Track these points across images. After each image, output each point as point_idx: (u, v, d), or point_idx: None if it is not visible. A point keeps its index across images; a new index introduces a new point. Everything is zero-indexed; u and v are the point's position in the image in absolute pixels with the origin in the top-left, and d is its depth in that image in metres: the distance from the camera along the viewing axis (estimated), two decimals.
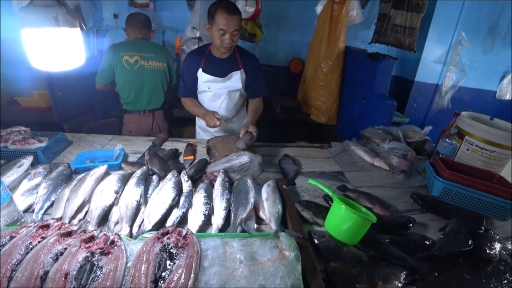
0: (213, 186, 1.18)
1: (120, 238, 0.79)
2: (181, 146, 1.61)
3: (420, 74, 3.27)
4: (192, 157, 1.48)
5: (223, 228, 0.97)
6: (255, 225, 0.99)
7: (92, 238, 0.78)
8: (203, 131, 2.04)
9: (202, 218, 0.99)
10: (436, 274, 0.93)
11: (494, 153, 1.50)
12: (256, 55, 2.36)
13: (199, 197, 1.08)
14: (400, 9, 2.46)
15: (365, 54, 2.54)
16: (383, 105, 2.28)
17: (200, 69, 1.76)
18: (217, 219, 1.00)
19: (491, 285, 0.93)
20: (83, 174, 1.16)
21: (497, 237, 1.13)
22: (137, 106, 2.19)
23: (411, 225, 1.12)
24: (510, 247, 1.11)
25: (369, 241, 1.00)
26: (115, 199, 1.04)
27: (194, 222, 0.98)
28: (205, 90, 1.82)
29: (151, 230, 0.92)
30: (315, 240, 0.96)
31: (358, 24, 2.77)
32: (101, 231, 0.82)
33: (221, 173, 1.22)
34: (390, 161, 1.61)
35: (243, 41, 2.95)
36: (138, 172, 1.18)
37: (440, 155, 1.62)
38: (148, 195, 1.10)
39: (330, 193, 1.08)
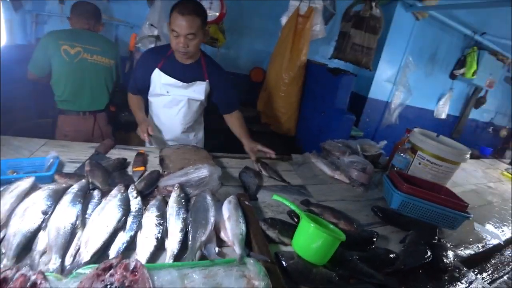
0: (166, 203, 1.03)
1: (45, 278, 0.60)
2: (129, 155, 1.41)
3: (373, 91, 3.54)
4: (142, 168, 1.30)
5: (179, 254, 0.83)
6: (217, 249, 0.87)
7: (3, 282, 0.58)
8: (154, 139, 1.82)
9: (154, 242, 0.84)
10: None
11: (442, 167, 1.61)
12: (217, 60, 2.26)
13: (150, 216, 0.93)
14: (359, 29, 2.62)
15: (327, 68, 2.63)
16: (343, 119, 2.36)
17: (157, 69, 1.58)
18: (172, 244, 0.85)
19: None
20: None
21: (449, 246, 1.25)
22: (76, 105, 1.91)
23: (375, 239, 1.12)
24: (462, 254, 1.25)
25: (337, 259, 0.95)
26: (42, 222, 0.82)
27: (145, 248, 0.82)
28: (162, 93, 1.64)
29: (89, 262, 0.74)
30: (283, 262, 0.88)
31: (319, 39, 2.86)
32: (18, 270, 0.62)
33: (176, 188, 1.07)
34: (350, 174, 1.63)
35: (204, 45, 2.83)
36: (75, 186, 0.98)
37: (396, 169, 1.70)
38: (86, 216, 0.90)
39: (297, 211, 1.01)
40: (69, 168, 1.24)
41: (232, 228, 0.94)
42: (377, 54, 3.04)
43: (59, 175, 1.10)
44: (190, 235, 0.88)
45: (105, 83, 1.98)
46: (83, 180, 1.03)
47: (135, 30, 2.69)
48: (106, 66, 1.95)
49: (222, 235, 0.96)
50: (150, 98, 1.71)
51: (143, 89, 1.66)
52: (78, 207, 0.89)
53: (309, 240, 0.93)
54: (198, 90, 1.65)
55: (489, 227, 1.61)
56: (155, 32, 2.49)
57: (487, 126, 5.98)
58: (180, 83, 1.61)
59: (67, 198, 0.91)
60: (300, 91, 2.94)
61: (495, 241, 1.46)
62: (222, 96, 1.71)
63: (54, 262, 0.73)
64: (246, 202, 1.11)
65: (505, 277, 1.25)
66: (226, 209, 1.01)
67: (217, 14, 2.48)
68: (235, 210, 1.01)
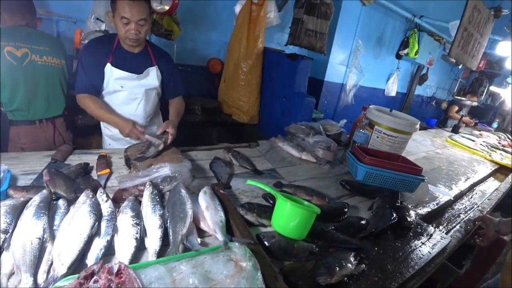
0: (140, 202, 1.00)
1: None
2: (91, 159, 1.32)
3: (329, 74, 3.70)
4: (107, 170, 1.23)
5: (162, 251, 0.82)
6: (199, 239, 0.87)
7: None
8: (115, 141, 1.73)
9: (134, 243, 0.81)
10: (376, 248, 1.06)
11: (397, 138, 1.77)
12: (174, 54, 2.19)
13: (125, 218, 0.89)
14: (312, 15, 2.70)
15: (284, 54, 2.68)
16: (304, 103, 2.44)
17: (109, 64, 1.48)
18: (153, 241, 0.84)
19: (416, 245, 1.14)
20: None
21: (410, 206, 1.41)
22: (30, 114, 1.70)
23: (346, 209, 1.21)
24: (421, 213, 1.42)
25: (315, 232, 1.02)
26: (3, 243, 0.75)
27: (124, 250, 0.79)
28: (117, 89, 1.55)
29: (66, 275, 0.69)
30: (266, 243, 0.93)
31: (273, 27, 2.90)
32: None
33: (148, 186, 1.03)
34: (316, 154, 1.71)
35: (159, 38, 2.70)
36: (36, 198, 0.89)
37: (357, 144, 1.82)
38: (54, 228, 0.84)
39: (273, 192, 1.05)
40: (24, 181, 1.13)
41: (211, 217, 0.94)
42: (329, 39, 3.18)
43: (14, 189, 0.99)
44: (170, 230, 0.87)
45: (60, 86, 1.80)
46: (44, 191, 0.94)
47: (79, 26, 2.46)
48: (58, 67, 1.77)
49: (202, 225, 0.96)
50: (104, 96, 1.60)
51: (99, 87, 1.54)
52: (44, 219, 0.82)
53: (287, 218, 0.98)
54: (152, 77, 1.61)
55: (440, 187, 1.81)
56: (102, 27, 2.30)
57: (431, 100, 6.64)
58: (135, 75, 1.54)
59: (29, 212, 0.83)
60: (260, 78, 2.96)
61: (446, 198, 1.66)
62: (169, 82, 1.68)
63: (25, 282, 0.67)
64: (221, 191, 1.12)
65: (457, 227, 1.43)
66: (203, 199, 1.01)
67: (168, 7, 2.37)
68: (212, 200, 1.01)
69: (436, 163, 2.33)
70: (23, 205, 0.88)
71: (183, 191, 1.01)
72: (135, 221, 0.88)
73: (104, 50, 1.48)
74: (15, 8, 1.65)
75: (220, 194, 1.09)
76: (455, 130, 3.80)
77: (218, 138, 3.18)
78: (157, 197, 1.00)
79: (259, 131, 3.16)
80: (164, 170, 1.06)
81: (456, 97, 5.52)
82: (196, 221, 0.96)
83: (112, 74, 1.50)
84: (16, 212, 0.85)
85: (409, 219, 1.23)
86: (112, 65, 1.49)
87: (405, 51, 4.34)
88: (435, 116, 6.05)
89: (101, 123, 1.75)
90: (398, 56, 4.48)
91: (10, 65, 1.58)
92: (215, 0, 3.07)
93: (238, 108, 3.04)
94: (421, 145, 2.78)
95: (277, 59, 2.86)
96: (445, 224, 1.47)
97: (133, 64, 1.54)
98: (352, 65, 3.80)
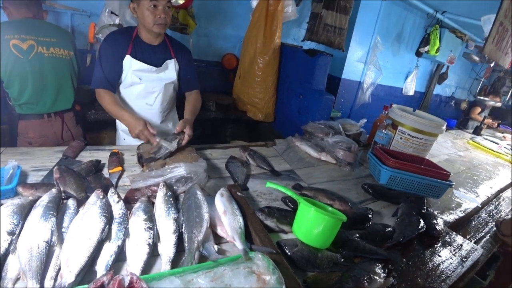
0: (153, 203, 0.94)
1: None
2: (103, 155, 1.27)
3: (346, 71, 3.58)
4: (120, 168, 1.18)
5: (176, 259, 0.76)
6: (216, 247, 0.81)
7: None
8: (130, 135, 1.69)
9: (146, 249, 0.75)
10: (404, 259, 0.97)
11: (422, 140, 1.66)
12: (190, 48, 2.13)
13: (137, 221, 0.83)
14: (331, 10, 2.59)
15: (302, 50, 2.58)
16: (322, 100, 2.34)
17: (128, 56, 1.44)
18: (167, 248, 0.77)
19: (446, 256, 1.06)
20: None
21: (436, 214, 1.32)
22: (38, 108, 1.66)
23: (371, 216, 1.13)
24: (448, 220, 1.33)
25: (339, 240, 0.94)
26: (10, 244, 0.70)
27: (136, 257, 0.73)
28: (135, 82, 1.51)
29: (74, 283, 0.64)
30: (287, 251, 0.85)
31: (290, 22, 2.80)
32: None
33: (162, 187, 0.97)
34: (336, 155, 1.63)
35: (174, 32, 2.64)
36: (45, 197, 0.85)
37: (378, 145, 1.72)
38: (63, 229, 0.79)
39: (294, 197, 0.98)
40: (34, 178, 1.09)
41: (230, 222, 0.88)
42: (348, 35, 3.05)
43: (23, 186, 0.95)
44: (186, 236, 0.81)
45: (70, 79, 1.76)
46: (53, 190, 0.90)
47: (93, 19, 2.43)
48: (67, 58, 1.72)
49: (219, 231, 0.90)
50: (121, 89, 1.56)
51: (114, 81, 1.49)
52: (52, 221, 0.77)
53: (311, 225, 0.90)
54: (171, 70, 1.58)
55: (466, 192, 1.70)
56: (117, 21, 2.26)
57: (449, 100, 6.38)
58: (154, 68, 1.51)
59: (36, 212, 0.79)
60: (276, 75, 2.87)
61: (473, 205, 1.55)
62: (185, 73, 1.64)
63: None
64: (239, 193, 1.05)
65: (487, 236, 1.33)
66: (220, 202, 0.95)
67: (181, 2, 2.31)
68: (230, 203, 0.95)
69: (459, 166, 2.20)
70: (32, 204, 0.84)
71: (199, 193, 0.95)
72: (148, 225, 0.82)
73: (123, 41, 1.45)
74: (21, 1, 1.61)
75: (237, 197, 1.02)
76: (477, 131, 3.64)
77: (232, 135, 3.12)
78: (171, 199, 0.94)
79: (274, 129, 3.08)
80: (179, 170, 1.00)
81: (478, 97, 5.28)
82: (212, 226, 0.90)
83: (132, 66, 1.46)
84: (24, 212, 0.80)
85: (437, 228, 1.15)
86: (132, 56, 1.45)
87: (426, 48, 4.16)
88: (454, 117, 5.82)
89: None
90: (418, 54, 4.30)
91: (17, 59, 1.55)
92: None
93: (253, 105, 2.95)
94: (442, 147, 2.65)
95: (294, 55, 2.76)
96: (472, 233, 1.36)
97: (152, 56, 1.51)
98: (370, 62, 3.65)
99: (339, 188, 1.37)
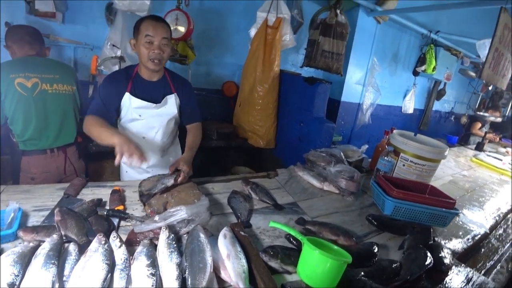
0: (155, 246, 0.93)
1: None
2: (104, 193, 1.27)
3: (345, 94, 3.64)
4: (121, 207, 1.17)
5: None
6: None
7: None
8: (132, 168, 1.70)
9: None
10: None
11: (425, 166, 1.65)
12: (189, 78, 2.17)
13: (139, 267, 0.82)
14: (328, 36, 2.67)
15: (302, 78, 2.63)
16: (323, 128, 2.36)
17: (127, 93, 1.48)
18: None
19: None
20: None
21: (443, 244, 1.29)
22: (41, 143, 1.68)
23: (376, 251, 1.10)
24: (456, 250, 1.29)
25: (345, 280, 0.91)
26: None
27: None
28: (135, 118, 1.54)
29: None
30: None
31: (288, 48, 2.88)
32: None
33: (164, 229, 0.96)
34: (338, 184, 1.61)
35: (174, 63, 2.72)
36: (46, 245, 0.84)
37: (381, 172, 1.71)
38: (64, 278, 0.77)
39: (298, 237, 0.96)
40: (35, 218, 1.08)
41: (233, 266, 0.86)
42: (345, 59, 3.14)
43: (24, 231, 0.94)
44: (189, 282, 0.79)
45: (73, 113, 1.79)
46: (55, 236, 0.89)
47: (95, 52, 2.51)
48: (69, 93, 1.76)
49: (223, 275, 0.88)
50: (122, 124, 1.58)
51: (111, 111, 1.49)
52: (53, 271, 0.76)
53: (316, 267, 0.88)
54: (170, 105, 1.59)
55: (472, 216, 1.67)
56: (118, 53, 2.34)
57: (449, 115, 6.42)
58: (153, 105, 1.53)
59: (37, 262, 0.77)
60: (276, 102, 2.91)
61: (481, 230, 1.52)
62: (186, 107, 1.66)
63: None
64: (242, 233, 1.04)
65: (498, 267, 1.29)
66: (223, 245, 0.93)
67: (183, 30, 2.40)
68: (233, 246, 0.93)
69: (464, 187, 2.18)
70: (32, 252, 0.83)
71: (202, 236, 0.94)
72: (150, 271, 0.81)
73: (123, 80, 1.48)
74: (23, 39, 1.66)
75: (240, 237, 1.01)
76: (479, 148, 3.62)
77: (234, 162, 3.12)
78: (173, 243, 0.92)
79: (275, 156, 3.08)
80: (180, 214, 0.99)
81: (478, 113, 5.31)
82: (216, 269, 0.88)
83: (131, 103, 1.49)
84: (25, 261, 0.79)
85: (446, 262, 1.11)
86: (131, 93, 1.48)
87: (423, 67, 4.24)
88: (454, 132, 5.83)
89: None
90: (415, 73, 4.38)
91: (21, 97, 1.58)
92: (228, 24, 3.09)
93: (254, 132, 2.97)
94: (446, 167, 2.63)
95: (293, 83, 2.80)
96: (482, 261, 1.33)
97: (152, 93, 1.53)
98: (368, 83, 3.72)
99: (343, 221, 1.35)
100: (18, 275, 0.74)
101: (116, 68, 2.33)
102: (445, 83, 5.26)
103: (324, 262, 0.86)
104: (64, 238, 0.92)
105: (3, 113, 1.60)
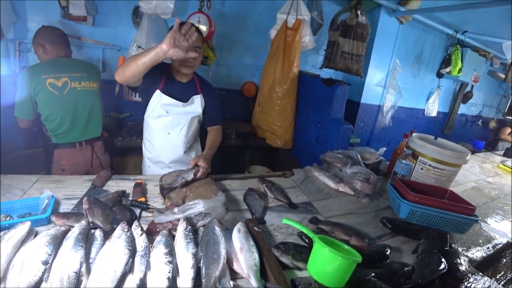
0: (173, 236, 0.99)
1: None
2: (128, 185, 1.36)
3: (365, 96, 3.58)
4: (143, 199, 1.24)
5: None
6: (232, 283, 0.83)
7: None
8: (154, 163, 1.78)
9: (166, 283, 0.79)
10: None
11: (445, 171, 1.61)
12: (209, 78, 2.24)
13: (158, 254, 0.88)
14: (348, 38, 2.64)
15: (320, 79, 2.62)
16: (341, 130, 2.34)
17: (158, 90, 1.57)
18: (185, 282, 0.81)
19: None
20: None
21: (461, 251, 1.25)
22: (70, 137, 1.81)
23: (388, 253, 1.09)
24: (475, 258, 1.25)
25: (355, 280, 0.92)
26: (43, 273, 0.77)
27: None
28: (161, 114, 1.62)
29: None
30: None
31: (308, 50, 2.88)
32: None
33: (182, 221, 1.02)
34: (354, 186, 1.61)
35: None
36: (76, 229, 0.92)
37: (398, 175, 1.69)
38: (90, 261, 0.85)
39: (310, 235, 0.98)
40: (66, 206, 1.18)
41: (245, 259, 0.90)
42: (366, 60, 3.08)
43: (56, 216, 1.04)
44: (203, 271, 0.83)
45: (99, 108, 1.91)
46: (83, 222, 0.97)
47: (122, 53, 2.66)
48: (95, 90, 1.88)
49: (235, 266, 0.92)
50: (149, 121, 1.67)
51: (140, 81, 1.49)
52: (81, 252, 0.84)
53: (325, 265, 0.90)
54: (196, 104, 1.68)
55: (495, 225, 1.61)
56: None
57: (476, 119, 6.11)
58: (181, 103, 1.61)
59: (68, 243, 0.86)
60: (294, 103, 2.92)
61: (503, 240, 1.46)
62: (209, 111, 1.75)
63: None
64: (255, 228, 1.08)
65: None
66: (237, 239, 0.98)
67: (205, 29, 2.47)
68: (246, 240, 0.97)
69: (488, 195, 2.09)
70: (63, 235, 0.91)
71: (217, 229, 0.99)
72: (168, 259, 0.86)
73: (160, 74, 1.57)
74: (60, 41, 1.81)
75: (254, 232, 1.05)
76: (508, 154, 3.43)
77: (251, 161, 3.17)
78: (190, 234, 0.98)
79: (293, 156, 3.09)
80: (198, 207, 1.05)
81: (508, 117, 5.02)
82: (229, 261, 0.92)
83: (161, 100, 1.58)
84: (56, 243, 0.87)
85: (461, 269, 1.08)
86: (162, 91, 1.57)
87: (447, 69, 4.07)
88: (482, 137, 5.54)
89: (143, 146, 1.81)
90: (439, 75, 4.22)
91: (53, 96, 1.71)
92: (249, 26, 3.14)
93: (272, 132, 3.00)
94: (469, 173, 2.53)
95: (312, 84, 2.80)
96: (502, 271, 1.28)
97: (180, 93, 1.62)
98: (389, 85, 3.63)
99: (356, 222, 1.35)
100: (51, 254, 0.82)
101: None
102: (472, 86, 5.02)
103: (334, 260, 0.88)
104: (91, 224, 1.01)
105: (34, 111, 1.73)
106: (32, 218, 1.02)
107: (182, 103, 1.62)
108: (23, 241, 0.90)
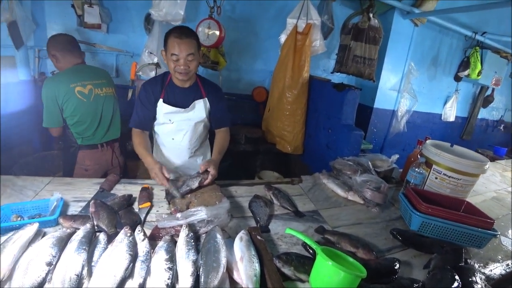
0: (175, 242, 0.98)
1: None
2: (135, 189, 1.37)
3: (378, 101, 3.48)
4: (148, 204, 1.25)
5: None
6: None
7: None
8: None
9: None
10: None
11: (461, 181, 1.53)
12: (219, 83, 2.25)
13: (159, 260, 0.88)
14: (360, 41, 2.59)
15: (331, 84, 2.58)
16: (352, 136, 2.29)
17: (161, 100, 1.58)
18: None
19: None
20: (4, 238, 0.90)
21: (477, 267, 1.18)
22: (94, 139, 1.89)
23: (397, 268, 1.04)
24: (492, 275, 1.17)
25: None
26: (47, 274, 0.79)
27: None
28: (165, 122, 1.64)
29: None
30: None
31: (319, 54, 2.84)
32: None
33: (184, 228, 1.02)
34: (364, 194, 1.56)
35: (206, 69, 2.84)
36: (80, 232, 0.94)
37: (411, 184, 1.62)
38: (92, 264, 0.86)
39: (314, 246, 0.96)
40: (74, 208, 1.21)
41: (245, 269, 0.88)
42: (379, 64, 3.01)
43: (64, 218, 1.07)
44: (202, 279, 0.83)
45: (118, 112, 2.00)
46: (88, 225, 0.99)
47: (135, 59, 2.73)
48: (113, 95, 1.96)
49: (235, 276, 0.90)
50: (155, 127, 1.71)
51: (148, 124, 1.64)
52: (83, 255, 0.85)
53: (328, 278, 0.87)
54: (199, 109, 1.66)
55: None
56: (155, 60, 2.51)
57: (498, 124, 5.82)
58: (182, 109, 1.61)
59: (72, 246, 0.87)
60: (305, 108, 2.88)
61: None
62: (216, 112, 1.72)
63: None
64: (258, 237, 1.06)
65: None
66: (238, 248, 0.96)
67: (217, 32, 2.48)
68: (247, 249, 0.95)
69: (509, 205, 1.97)
70: (69, 237, 0.93)
71: (219, 237, 0.98)
72: (168, 265, 0.86)
73: (157, 88, 1.59)
74: (75, 47, 1.84)
75: (257, 241, 1.03)
76: None
77: (261, 166, 3.16)
78: (192, 241, 0.97)
79: (303, 162, 3.05)
80: (200, 214, 1.05)
81: None
82: (229, 270, 0.91)
83: (163, 109, 1.60)
84: (61, 245, 0.89)
85: (476, 287, 1.00)
86: (164, 101, 1.59)
87: (466, 72, 3.91)
88: (504, 144, 5.27)
89: (153, 151, 1.82)
90: (457, 78, 4.05)
91: (81, 103, 1.78)
92: (259, 31, 3.15)
93: (282, 137, 2.97)
94: (489, 182, 2.40)
95: (322, 89, 2.76)
96: None
97: (183, 99, 1.62)
98: (404, 89, 3.52)
99: (365, 233, 1.30)
100: (55, 256, 0.84)
101: (153, 74, 2.50)
102: (493, 89, 4.80)
103: (336, 274, 0.85)
104: (96, 227, 1.02)
105: (63, 118, 1.79)
106: (41, 219, 1.05)
107: (183, 109, 1.61)
108: (31, 241, 0.93)
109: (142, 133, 1.60)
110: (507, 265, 1.27)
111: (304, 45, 2.58)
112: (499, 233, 1.29)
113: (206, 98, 1.67)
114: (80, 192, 1.33)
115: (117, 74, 2.76)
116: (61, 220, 1.06)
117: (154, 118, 1.64)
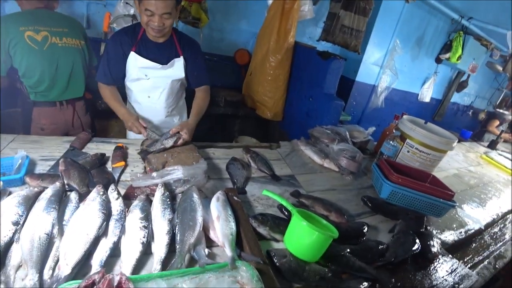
0: (150, 202, 0.97)
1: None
2: (108, 148, 1.31)
3: (361, 74, 3.50)
4: (123, 163, 1.21)
5: (168, 259, 0.79)
6: (207, 250, 0.83)
7: None
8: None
9: (140, 248, 0.78)
10: (393, 280, 0.97)
11: (430, 156, 1.62)
12: (200, 42, 2.13)
13: (134, 219, 0.86)
14: (349, 11, 2.52)
15: (316, 52, 2.53)
16: (332, 105, 2.31)
17: (133, 52, 1.47)
18: (159, 248, 0.80)
19: (437, 280, 1.03)
20: None
21: (435, 233, 1.30)
22: (51, 96, 1.71)
23: (365, 231, 1.12)
24: (447, 241, 1.30)
25: (330, 254, 0.94)
26: (14, 234, 0.75)
27: (130, 254, 0.76)
28: (141, 77, 1.55)
29: (69, 276, 0.68)
30: (276, 261, 0.87)
31: (306, 20, 2.75)
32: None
33: (160, 187, 1.00)
34: (339, 163, 1.61)
35: (186, 25, 2.64)
36: (49, 191, 0.89)
37: (384, 156, 1.69)
38: (64, 223, 0.83)
39: (289, 207, 0.98)
40: (42, 167, 1.14)
41: (221, 228, 0.89)
42: (365, 37, 2.98)
43: (30, 177, 1.00)
44: (178, 238, 0.83)
45: (81, 67, 1.80)
46: (57, 183, 0.94)
47: (108, 9, 2.46)
48: (78, 48, 1.76)
49: (212, 235, 0.92)
50: (127, 84, 1.61)
51: (118, 77, 1.54)
52: (53, 214, 0.81)
53: (302, 238, 0.91)
54: (178, 67, 1.58)
55: (470, 211, 1.66)
56: (131, 11, 2.29)
57: (467, 109, 6.16)
58: (159, 65, 1.53)
59: (40, 205, 0.83)
60: (287, 74, 2.83)
61: (476, 226, 1.51)
62: (193, 69, 1.64)
63: (31, 278, 0.66)
64: (235, 198, 1.07)
65: (485, 262, 1.29)
66: (215, 207, 0.97)
67: None
68: (224, 209, 0.96)
69: (468, 182, 2.14)
70: (36, 196, 0.88)
71: (195, 196, 0.97)
72: (143, 224, 0.85)
73: (128, 40, 1.47)
74: None
75: (233, 201, 1.04)
76: (492, 146, 3.49)
77: (240, 131, 3.12)
78: (168, 200, 0.96)
79: (282, 129, 3.06)
80: (176, 173, 1.02)
81: (498, 110, 5.08)
82: (206, 229, 0.92)
83: (137, 63, 1.49)
84: (29, 204, 0.85)
85: (433, 250, 1.12)
86: (137, 53, 1.48)
87: (447, 55, 4.01)
88: (470, 127, 5.63)
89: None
90: (438, 60, 4.15)
91: (32, 50, 1.57)
92: None
93: (263, 103, 2.94)
94: (453, 160, 2.57)
95: (307, 56, 2.70)
96: (471, 255, 1.33)
97: (158, 54, 1.51)
98: (386, 66, 3.56)
99: (338, 198, 1.36)
100: (22, 215, 0.80)
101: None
102: (468, 75, 5.00)
103: (310, 234, 0.89)
104: (66, 186, 0.98)
105: (6, 66, 1.60)
106: (5, 178, 0.97)
107: (161, 65, 1.52)
108: None
109: (111, 88, 1.53)
110: (460, 232, 1.41)
111: (292, 9, 2.47)
112: (457, 204, 1.41)
113: (182, 56, 1.57)
114: (48, 151, 1.25)
115: (88, 25, 2.50)
116: (27, 179, 0.99)
117: (123, 73, 1.54)
